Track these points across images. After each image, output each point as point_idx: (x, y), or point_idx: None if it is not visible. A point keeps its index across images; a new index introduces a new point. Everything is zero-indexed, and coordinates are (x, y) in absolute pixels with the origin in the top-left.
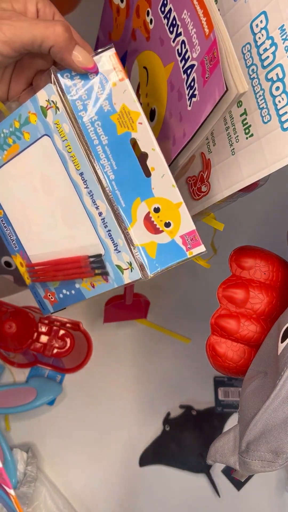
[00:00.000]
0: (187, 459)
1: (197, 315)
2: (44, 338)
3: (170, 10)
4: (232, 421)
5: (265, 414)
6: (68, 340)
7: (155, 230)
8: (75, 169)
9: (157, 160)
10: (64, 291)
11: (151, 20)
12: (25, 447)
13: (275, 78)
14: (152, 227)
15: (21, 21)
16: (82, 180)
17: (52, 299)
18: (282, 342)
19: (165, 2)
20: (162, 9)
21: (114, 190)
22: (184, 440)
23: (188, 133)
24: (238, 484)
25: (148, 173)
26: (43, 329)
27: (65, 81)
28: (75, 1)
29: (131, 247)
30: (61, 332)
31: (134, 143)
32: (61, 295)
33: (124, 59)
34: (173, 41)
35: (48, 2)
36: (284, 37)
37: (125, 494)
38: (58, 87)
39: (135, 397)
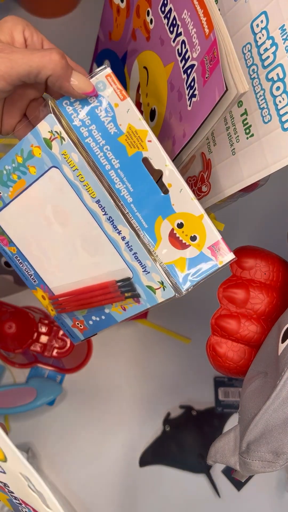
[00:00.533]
0: (187, 459)
1: (197, 315)
2: (44, 338)
3: (170, 10)
4: (232, 422)
5: (266, 414)
6: (68, 341)
7: (182, 246)
8: (91, 197)
9: (172, 175)
10: (93, 317)
11: (151, 20)
12: (25, 447)
13: (275, 78)
14: (178, 243)
15: (15, 52)
16: (100, 207)
17: (82, 327)
18: (282, 342)
19: (165, 2)
20: (162, 9)
21: (134, 212)
22: (184, 441)
23: (188, 133)
24: (238, 485)
25: (165, 190)
26: (43, 329)
27: (65, 109)
28: (75, 1)
29: (161, 266)
30: (61, 332)
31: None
32: (90, 322)
33: (124, 59)
34: (173, 41)
35: (34, 29)
36: (284, 37)
37: (125, 494)
38: (59, 117)
39: (135, 397)
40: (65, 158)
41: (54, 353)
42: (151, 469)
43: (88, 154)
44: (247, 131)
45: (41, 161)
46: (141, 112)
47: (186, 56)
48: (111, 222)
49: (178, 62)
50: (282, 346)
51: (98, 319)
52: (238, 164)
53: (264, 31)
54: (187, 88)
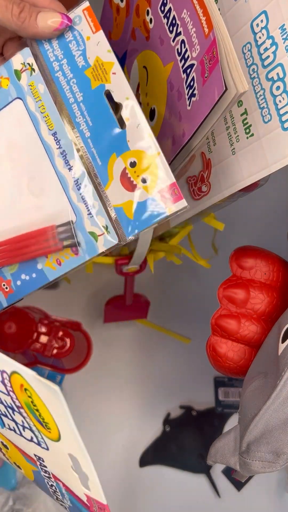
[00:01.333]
0: (187, 459)
1: (197, 315)
2: (44, 339)
3: (169, 9)
4: (232, 422)
5: (266, 414)
6: (68, 340)
7: (132, 187)
8: (48, 129)
9: (132, 109)
10: (23, 276)
11: (150, 19)
12: None
13: (275, 78)
14: (129, 184)
15: None
16: (55, 140)
17: (7, 290)
18: (282, 342)
19: (164, 1)
20: (162, 8)
21: (90, 148)
22: (184, 441)
23: (188, 133)
24: (238, 485)
25: (123, 125)
26: (43, 329)
27: (42, 44)
28: (75, 1)
29: (108, 208)
30: (61, 332)
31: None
32: (18, 282)
33: (124, 58)
34: (173, 41)
35: None
36: (284, 36)
37: (125, 494)
38: (36, 51)
39: (135, 397)
40: (31, 89)
41: (54, 353)
42: (151, 469)
43: (55, 86)
44: (247, 130)
45: (6, 93)
46: None
47: (186, 56)
48: (64, 157)
49: (178, 62)
50: (282, 346)
51: (28, 277)
52: (238, 164)
53: (264, 31)
54: (186, 88)
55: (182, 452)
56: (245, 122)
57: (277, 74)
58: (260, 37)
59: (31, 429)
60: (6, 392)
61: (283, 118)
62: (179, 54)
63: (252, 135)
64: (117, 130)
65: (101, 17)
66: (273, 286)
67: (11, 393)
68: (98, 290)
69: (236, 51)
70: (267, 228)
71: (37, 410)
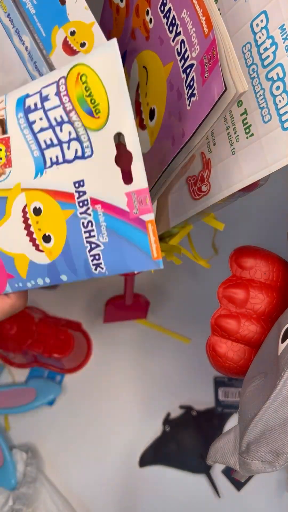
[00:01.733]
0: (187, 459)
1: (197, 315)
2: (44, 339)
3: (169, 9)
4: (232, 422)
5: (265, 414)
6: (68, 341)
7: (73, 52)
8: (3, 12)
9: None
10: None
11: (150, 19)
12: (24, 448)
13: (275, 78)
14: (70, 50)
15: None
16: (10, 20)
17: None
18: (282, 342)
19: (164, 1)
20: (162, 8)
21: (36, 23)
22: (184, 441)
23: (187, 133)
24: (238, 485)
25: (63, 2)
26: (43, 329)
27: None
28: None
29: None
30: (61, 332)
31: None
32: None
33: (124, 58)
34: (173, 41)
35: None
36: (284, 36)
37: (125, 494)
38: None
39: (135, 397)
40: None
41: (54, 353)
42: (151, 469)
43: None
44: (247, 130)
45: None
46: (140, 112)
47: (185, 56)
48: (18, 34)
49: (178, 62)
50: (282, 346)
51: None
52: (238, 164)
53: (264, 31)
54: (186, 88)
55: (182, 452)
56: (245, 122)
57: (277, 74)
58: (260, 37)
59: (77, 138)
60: (59, 102)
61: (283, 118)
62: (178, 54)
63: (252, 135)
64: (58, 5)
65: (101, 17)
66: (273, 286)
67: (64, 98)
68: (98, 290)
69: (236, 51)
70: (267, 228)
71: (89, 94)
